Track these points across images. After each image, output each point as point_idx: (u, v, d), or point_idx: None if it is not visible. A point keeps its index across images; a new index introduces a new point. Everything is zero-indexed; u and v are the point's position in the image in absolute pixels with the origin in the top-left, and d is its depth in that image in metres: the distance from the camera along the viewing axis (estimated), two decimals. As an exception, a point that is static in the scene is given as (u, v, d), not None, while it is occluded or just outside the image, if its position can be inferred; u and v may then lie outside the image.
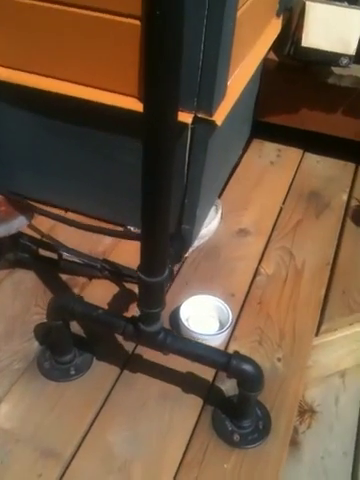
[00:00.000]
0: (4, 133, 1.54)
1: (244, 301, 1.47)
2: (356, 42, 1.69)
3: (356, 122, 1.90)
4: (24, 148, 1.56)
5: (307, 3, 1.68)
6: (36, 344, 1.30)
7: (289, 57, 1.84)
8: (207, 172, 1.45)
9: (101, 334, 1.33)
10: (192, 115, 1.29)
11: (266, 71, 1.88)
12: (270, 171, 1.97)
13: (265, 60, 1.86)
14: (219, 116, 1.31)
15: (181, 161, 1.39)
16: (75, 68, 1.33)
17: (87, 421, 1.16)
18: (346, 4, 1.70)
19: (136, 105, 1.31)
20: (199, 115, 1.29)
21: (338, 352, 1.57)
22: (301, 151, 2.09)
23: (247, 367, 1.05)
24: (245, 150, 2.07)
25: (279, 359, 1.33)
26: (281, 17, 1.89)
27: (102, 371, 1.26)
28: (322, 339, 1.49)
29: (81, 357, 1.27)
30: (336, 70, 1.79)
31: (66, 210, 1.68)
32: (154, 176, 0.85)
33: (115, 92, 1.34)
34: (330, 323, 1.45)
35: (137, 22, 1.21)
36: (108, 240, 1.60)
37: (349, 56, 1.74)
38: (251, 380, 1.05)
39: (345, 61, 1.78)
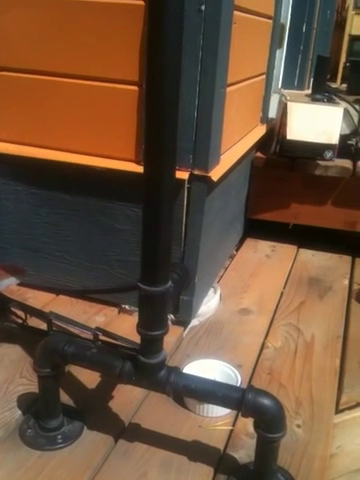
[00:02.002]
0: (1, 212, 1.54)
1: (253, 371, 1.33)
2: (338, 133, 1.81)
3: (346, 212, 1.95)
4: (19, 225, 1.55)
5: (289, 103, 1.84)
6: (19, 413, 1.13)
7: (276, 154, 1.96)
8: (204, 238, 1.43)
9: (93, 403, 1.18)
10: (188, 172, 1.32)
11: (255, 168, 1.98)
12: (267, 262, 1.95)
13: (254, 158, 1.98)
14: (215, 174, 1.35)
15: (178, 223, 1.37)
16: (75, 137, 1.39)
17: (75, 496, 0.96)
18: (325, 102, 1.87)
19: (135, 167, 1.35)
20: (195, 172, 1.32)
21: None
22: (295, 247, 2.10)
23: (265, 401, 0.90)
24: (239, 247, 2.07)
25: (298, 426, 1.16)
26: (265, 125, 2.06)
27: (94, 440, 1.08)
28: (344, 416, 1.32)
29: (70, 425, 1.10)
30: (322, 163, 1.89)
31: (57, 293, 1.60)
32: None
33: (113, 158, 1.38)
34: (351, 393, 1.30)
35: (135, 88, 1.30)
36: (101, 319, 1.51)
37: (333, 148, 1.86)
38: (270, 416, 0.90)
39: (329, 154, 1.90)
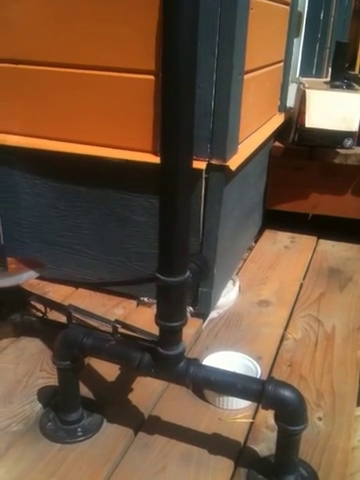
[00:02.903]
0: (19, 206, 1.55)
1: (273, 364, 1.32)
2: (357, 120, 1.77)
3: (367, 201, 1.91)
4: (37, 219, 1.55)
5: (307, 91, 1.80)
6: (39, 406, 1.14)
7: (294, 143, 1.92)
8: (222, 228, 1.42)
9: (113, 396, 1.18)
10: (206, 162, 1.30)
11: (273, 158, 1.95)
12: (286, 253, 1.93)
13: (272, 148, 1.95)
14: (233, 163, 1.32)
15: (196, 214, 1.36)
16: (90, 129, 1.38)
17: (95, 488, 0.96)
18: (344, 89, 1.83)
19: (152, 158, 1.33)
20: (213, 162, 1.30)
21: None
22: (315, 237, 2.07)
23: (286, 393, 0.89)
24: (258, 239, 2.05)
25: (320, 418, 1.14)
26: (283, 114, 2.03)
27: (114, 433, 1.08)
28: (366, 409, 1.30)
29: (90, 418, 1.10)
30: (341, 151, 1.86)
31: (76, 287, 1.61)
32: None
33: (130, 149, 1.37)
34: (373, 385, 1.28)
35: (151, 77, 1.29)
36: (120, 311, 1.51)
37: (352, 135, 1.82)
38: (292, 408, 0.88)
39: (349, 142, 1.86)
